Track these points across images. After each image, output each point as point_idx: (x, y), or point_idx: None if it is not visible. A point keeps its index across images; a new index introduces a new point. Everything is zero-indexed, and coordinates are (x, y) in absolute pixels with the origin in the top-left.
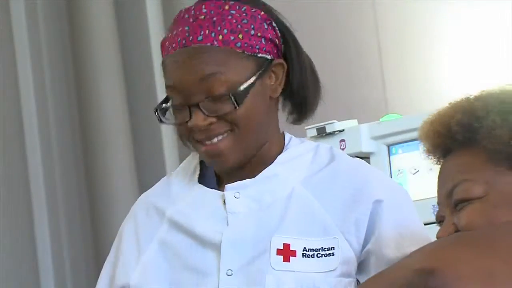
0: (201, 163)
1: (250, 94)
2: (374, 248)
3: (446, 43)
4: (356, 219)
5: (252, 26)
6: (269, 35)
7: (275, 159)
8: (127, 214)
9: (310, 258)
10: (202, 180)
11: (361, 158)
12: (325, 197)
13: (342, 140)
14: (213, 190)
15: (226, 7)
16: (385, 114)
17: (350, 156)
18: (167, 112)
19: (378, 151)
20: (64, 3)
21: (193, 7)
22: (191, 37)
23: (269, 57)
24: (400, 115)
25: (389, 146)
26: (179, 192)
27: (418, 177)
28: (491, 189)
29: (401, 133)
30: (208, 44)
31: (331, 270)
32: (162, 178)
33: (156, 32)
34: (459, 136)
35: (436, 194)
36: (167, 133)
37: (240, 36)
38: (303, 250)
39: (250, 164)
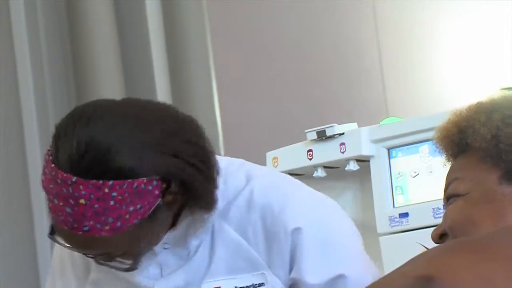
0: None
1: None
2: (298, 277)
3: (447, 45)
4: (278, 252)
5: (137, 199)
6: (156, 191)
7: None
8: (55, 250)
9: None
10: None
11: (361, 161)
12: (247, 230)
13: (342, 143)
14: None
15: (106, 190)
16: (385, 117)
17: (350, 159)
18: None
19: (378, 154)
20: (64, 3)
21: (69, 182)
22: (76, 225)
23: (159, 201)
24: (400, 118)
25: (389, 149)
26: None
27: (418, 180)
28: (475, 186)
29: (401, 136)
30: (96, 235)
31: None
32: None
33: (156, 32)
34: (456, 138)
35: (436, 197)
36: None
37: (127, 216)
38: None
39: None
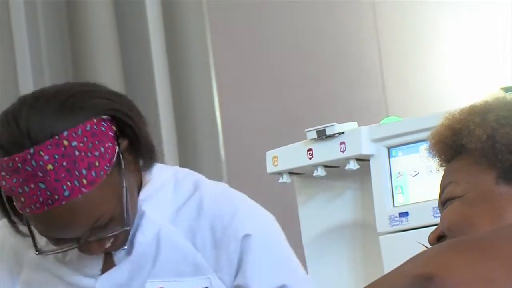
0: None
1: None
2: (243, 284)
3: (446, 45)
4: (227, 257)
5: (97, 143)
6: (110, 133)
7: (138, 195)
8: None
9: None
10: None
11: (361, 160)
12: (195, 235)
13: (342, 143)
14: None
15: (65, 143)
16: (385, 116)
17: (350, 158)
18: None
19: (378, 153)
20: (64, 3)
21: (28, 156)
22: (56, 196)
23: (117, 149)
24: (400, 117)
25: (389, 149)
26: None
27: (418, 180)
28: (471, 188)
29: (401, 135)
30: (79, 195)
31: None
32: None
33: (156, 32)
34: (449, 141)
35: (436, 197)
36: (166, 131)
37: (97, 163)
38: None
39: None
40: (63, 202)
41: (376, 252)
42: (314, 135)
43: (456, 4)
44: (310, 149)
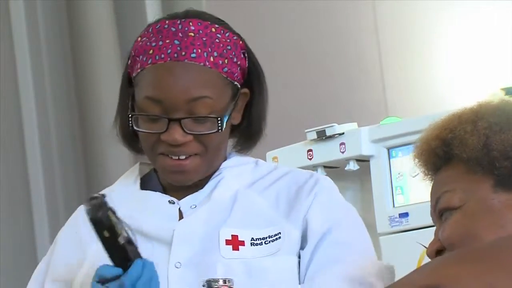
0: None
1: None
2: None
3: (446, 46)
4: (300, 207)
5: (234, 53)
6: (242, 64)
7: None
8: (66, 223)
9: (258, 246)
10: (146, 189)
11: (361, 161)
12: (270, 194)
13: (342, 143)
14: (159, 193)
15: (213, 30)
16: (385, 117)
17: (350, 159)
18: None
19: (378, 154)
20: (64, 3)
21: (178, 22)
22: (183, 52)
23: (238, 85)
24: (400, 118)
25: (389, 149)
26: (122, 199)
27: (418, 180)
28: (469, 197)
29: (401, 136)
30: (201, 63)
31: (278, 251)
32: (103, 190)
33: None
34: (439, 151)
35: None
36: None
37: (226, 61)
38: (251, 240)
39: None
40: (186, 60)
41: (376, 253)
42: (314, 135)
43: (456, 4)
44: (310, 150)
